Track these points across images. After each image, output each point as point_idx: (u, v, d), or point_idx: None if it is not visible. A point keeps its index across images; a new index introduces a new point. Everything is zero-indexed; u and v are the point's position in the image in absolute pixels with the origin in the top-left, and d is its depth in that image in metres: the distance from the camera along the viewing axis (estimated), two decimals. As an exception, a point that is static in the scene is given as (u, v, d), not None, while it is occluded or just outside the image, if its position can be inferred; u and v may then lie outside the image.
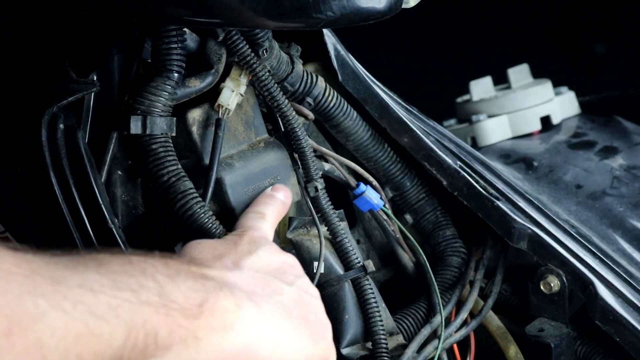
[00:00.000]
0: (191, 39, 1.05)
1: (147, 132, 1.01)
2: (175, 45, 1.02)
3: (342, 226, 1.14)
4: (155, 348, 0.71)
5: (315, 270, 1.12)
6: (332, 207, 1.13)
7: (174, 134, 1.04)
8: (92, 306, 0.67)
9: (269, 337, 0.81)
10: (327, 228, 1.13)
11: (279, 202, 1.04)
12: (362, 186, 1.20)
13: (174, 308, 0.73)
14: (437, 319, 1.19)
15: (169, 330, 0.72)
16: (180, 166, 1.03)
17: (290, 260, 0.94)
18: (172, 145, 1.03)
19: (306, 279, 0.93)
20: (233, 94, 1.07)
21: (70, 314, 0.66)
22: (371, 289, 1.13)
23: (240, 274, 0.83)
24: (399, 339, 1.15)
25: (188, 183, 1.02)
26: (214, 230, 1.02)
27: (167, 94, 1.01)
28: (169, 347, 0.72)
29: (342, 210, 1.15)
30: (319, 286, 1.13)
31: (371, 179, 1.23)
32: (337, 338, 1.13)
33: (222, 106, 1.06)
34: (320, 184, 1.12)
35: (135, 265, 0.73)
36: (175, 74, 1.02)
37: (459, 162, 1.25)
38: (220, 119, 1.05)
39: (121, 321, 0.69)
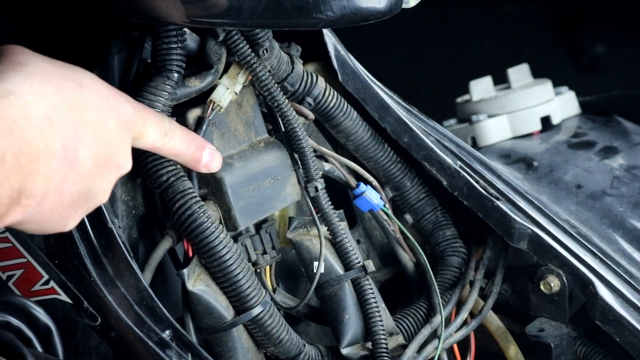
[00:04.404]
0: (191, 39, 1.04)
1: (147, 132, 1.01)
2: (175, 45, 1.01)
3: (342, 226, 1.14)
4: None
5: (315, 270, 1.12)
6: (332, 207, 1.13)
7: (174, 134, 1.03)
8: None
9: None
10: (327, 228, 1.13)
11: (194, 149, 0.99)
12: (362, 186, 1.20)
13: None
14: (437, 319, 1.19)
15: None
16: (179, 166, 1.03)
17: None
18: (172, 145, 1.03)
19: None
20: (227, 91, 1.06)
21: None
22: (371, 289, 1.13)
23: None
24: (399, 339, 1.15)
25: (187, 183, 1.02)
26: (214, 230, 1.02)
27: (167, 93, 1.01)
28: None
29: (342, 210, 1.15)
30: (319, 286, 1.13)
31: (371, 179, 1.23)
32: (338, 338, 1.13)
33: (214, 102, 1.06)
34: (320, 184, 1.12)
35: None
36: (175, 74, 1.02)
37: (459, 162, 1.25)
38: (203, 118, 1.05)
39: None
